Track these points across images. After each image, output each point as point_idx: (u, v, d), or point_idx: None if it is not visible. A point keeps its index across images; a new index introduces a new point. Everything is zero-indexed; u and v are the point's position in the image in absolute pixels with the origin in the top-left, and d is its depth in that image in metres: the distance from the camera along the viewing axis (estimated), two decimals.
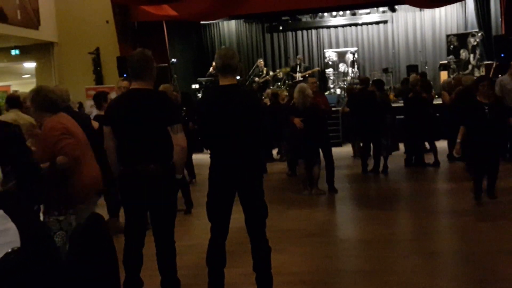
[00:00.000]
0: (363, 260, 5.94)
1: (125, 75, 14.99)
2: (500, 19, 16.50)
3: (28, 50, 17.19)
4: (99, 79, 17.00)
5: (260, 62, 18.65)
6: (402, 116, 11.56)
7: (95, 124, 6.78)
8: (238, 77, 4.90)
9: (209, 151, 4.66)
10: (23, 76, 19.93)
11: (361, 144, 11.84)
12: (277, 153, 13.94)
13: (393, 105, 12.46)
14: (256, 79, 17.99)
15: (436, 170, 11.10)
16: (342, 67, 19.54)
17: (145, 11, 15.95)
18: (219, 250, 4.62)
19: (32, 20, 15.72)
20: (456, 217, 7.41)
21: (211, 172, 4.59)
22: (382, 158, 10.99)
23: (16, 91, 15.24)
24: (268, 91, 13.52)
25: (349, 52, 19.77)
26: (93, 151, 5.26)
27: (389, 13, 20.18)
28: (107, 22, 16.55)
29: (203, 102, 4.97)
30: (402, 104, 12.36)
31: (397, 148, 11.29)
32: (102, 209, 7.74)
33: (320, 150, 9.42)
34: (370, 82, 11.88)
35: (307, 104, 8.90)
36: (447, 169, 11.24)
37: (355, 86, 15.10)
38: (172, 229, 4.66)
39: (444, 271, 5.45)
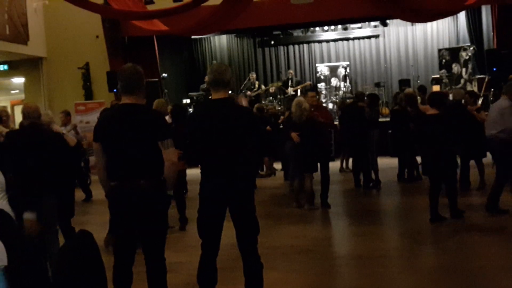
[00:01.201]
0: (356, 277, 5.90)
1: (115, 90, 14.90)
2: (492, 33, 16.52)
3: (17, 66, 17.08)
4: (88, 95, 16.89)
5: (252, 75, 18.58)
6: None
7: (71, 141, 6.65)
8: (230, 92, 4.86)
9: (199, 166, 4.60)
10: (12, 92, 19.80)
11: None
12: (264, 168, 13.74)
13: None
14: (248, 93, 17.89)
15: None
16: (334, 81, 19.48)
17: (136, 26, 15.83)
18: (210, 267, 4.55)
19: (21, 35, 15.61)
20: (449, 233, 7.33)
21: (201, 187, 4.55)
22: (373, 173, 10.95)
23: (4, 107, 15.14)
24: (257, 105, 13.41)
25: (341, 67, 19.73)
26: (62, 168, 5.29)
27: (380, 28, 20.20)
28: (97, 37, 16.51)
29: (194, 116, 4.91)
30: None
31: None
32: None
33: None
34: (365, 97, 11.74)
35: (303, 117, 8.90)
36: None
37: (347, 100, 15.06)
38: (163, 246, 4.52)
39: (443, 287, 5.38)
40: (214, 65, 4.81)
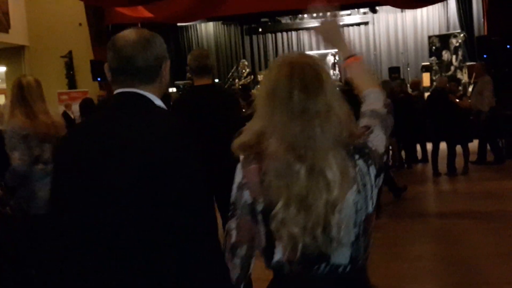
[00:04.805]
0: None
1: (99, 79, 14.59)
2: (482, 20, 16.35)
3: None
4: (72, 84, 16.58)
5: (244, 63, 18.22)
6: None
7: None
8: (216, 80, 4.67)
9: None
10: None
11: None
12: None
13: None
14: (237, 81, 17.60)
15: (422, 172, 10.88)
16: None
17: (120, 13, 15.50)
18: None
19: (2, 23, 15.26)
20: (437, 220, 7.33)
21: None
22: None
23: None
24: (242, 82, 13.16)
25: (330, 54, 19.44)
26: None
27: (370, 14, 20.01)
28: (80, 24, 16.12)
29: (180, 104, 4.70)
30: None
31: None
32: None
33: None
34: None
35: None
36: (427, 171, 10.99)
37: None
38: None
39: (429, 275, 5.41)
40: (194, 51, 4.65)
